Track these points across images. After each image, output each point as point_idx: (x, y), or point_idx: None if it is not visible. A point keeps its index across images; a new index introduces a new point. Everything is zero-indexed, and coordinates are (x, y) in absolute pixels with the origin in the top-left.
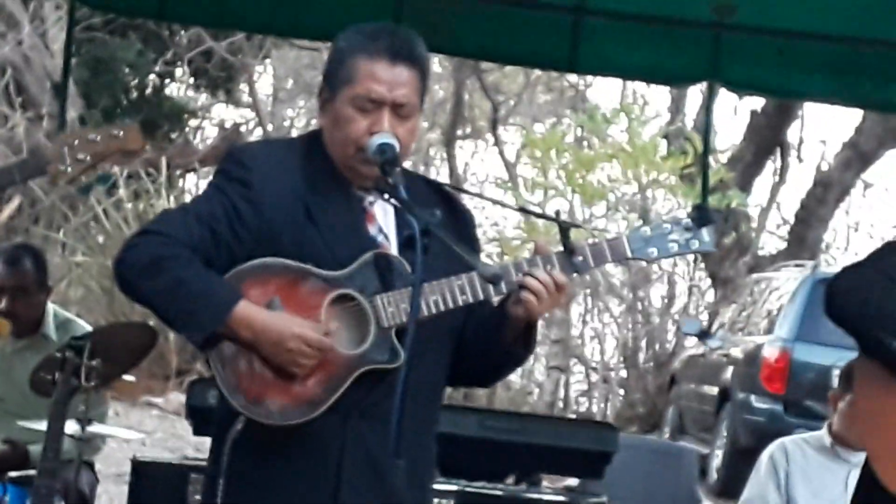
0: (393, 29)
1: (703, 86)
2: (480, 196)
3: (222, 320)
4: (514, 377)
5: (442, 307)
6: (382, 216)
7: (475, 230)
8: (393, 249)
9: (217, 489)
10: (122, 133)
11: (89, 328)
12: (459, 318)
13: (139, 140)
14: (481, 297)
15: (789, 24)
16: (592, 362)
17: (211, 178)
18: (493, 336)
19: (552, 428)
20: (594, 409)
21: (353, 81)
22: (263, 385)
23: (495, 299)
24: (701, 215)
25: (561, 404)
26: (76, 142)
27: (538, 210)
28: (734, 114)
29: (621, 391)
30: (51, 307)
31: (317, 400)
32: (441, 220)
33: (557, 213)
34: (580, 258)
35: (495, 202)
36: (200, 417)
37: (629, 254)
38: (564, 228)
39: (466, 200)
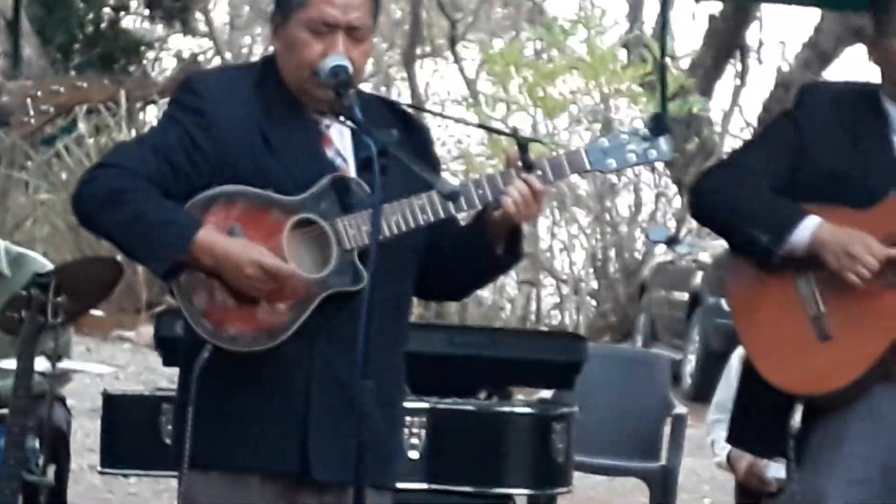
0: None
1: None
2: (439, 114)
3: (184, 248)
4: (486, 293)
5: (403, 227)
6: (339, 139)
7: (433, 148)
8: (351, 172)
9: (187, 418)
10: (86, 84)
11: (45, 261)
12: (423, 236)
13: (103, 92)
14: (442, 215)
15: None
16: (562, 274)
17: (166, 108)
18: (477, 246)
19: (520, 341)
20: (566, 321)
21: (306, 4)
22: (228, 312)
23: (460, 216)
24: (657, 125)
25: (533, 318)
26: (39, 93)
27: (498, 126)
28: (692, 19)
29: (593, 302)
30: (1, 244)
31: (282, 325)
32: (398, 140)
33: (514, 129)
34: (539, 172)
35: (455, 119)
36: (169, 348)
37: (588, 166)
38: (522, 144)
39: (428, 119)
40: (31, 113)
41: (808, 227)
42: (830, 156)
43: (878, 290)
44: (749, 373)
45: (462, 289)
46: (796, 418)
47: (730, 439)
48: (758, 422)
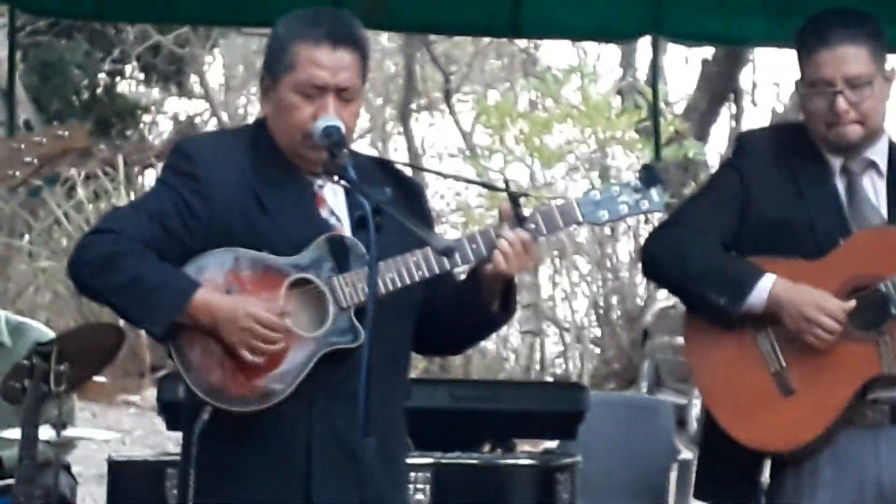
0: (331, 12)
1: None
2: (433, 171)
3: (181, 309)
4: (489, 344)
5: (399, 283)
6: (333, 198)
7: (427, 204)
8: (346, 231)
9: (189, 480)
10: (67, 133)
11: (46, 329)
12: (419, 291)
13: (85, 138)
14: (437, 270)
15: None
16: (565, 323)
17: (159, 174)
18: (471, 301)
19: (522, 393)
20: (570, 369)
21: (295, 68)
22: (226, 372)
23: (456, 271)
24: (649, 175)
25: (538, 367)
26: (22, 145)
27: (496, 177)
28: (686, 63)
29: (596, 349)
30: (2, 314)
31: (281, 384)
32: (391, 198)
33: (507, 182)
34: (532, 225)
35: (445, 176)
36: (172, 412)
37: (580, 218)
38: (514, 198)
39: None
40: (15, 166)
41: (765, 287)
42: (776, 205)
43: (838, 341)
44: (712, 428)
45: (459, 343)
46: (765, 473)
47: (697, 494)
48: (725, 476)
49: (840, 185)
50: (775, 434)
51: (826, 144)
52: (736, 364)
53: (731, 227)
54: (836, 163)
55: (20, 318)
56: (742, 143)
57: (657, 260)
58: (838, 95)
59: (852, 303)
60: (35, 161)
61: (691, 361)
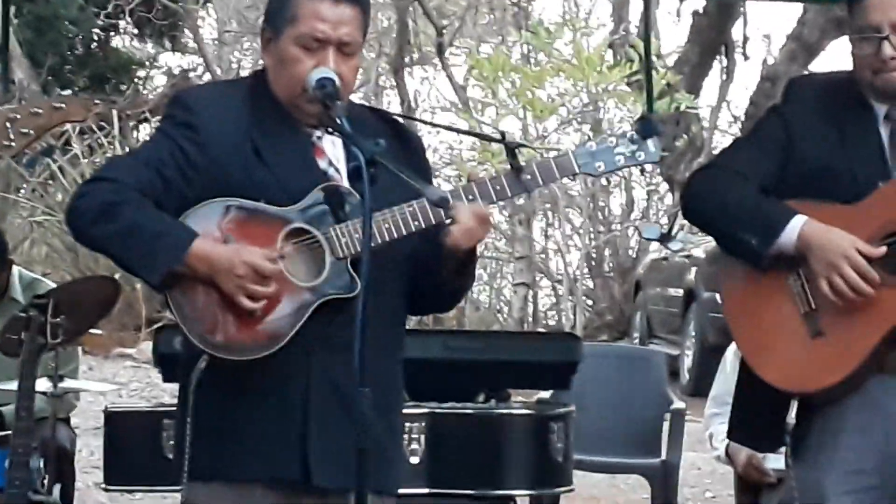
0: None
1: None
2: (428, 122)
3: (179, 257)
4: (483, 296)
5: (395, 234)
6: (332, 150)
7: (425, 155)
8: (344, 182)
9: (186, 430)
10: (64, 105)
11: (54, 286)
12: (415, 244)
13: (82, 111)
14: (433, 221)
15: None
16: (558, 275)
17: (157, 123)
18: (435, 267)
19: (515, 343)
20: (563, 321)
21: (297, 21)
22: (224, 321)
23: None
24: (645, 126)
25: (531, 319)
26: (18, 116)
27: (488, 131)
28: (677, 17)
29: (589, 301)
30: (15, 270)
31: (278, 333)
32: (386, 149)
33: (503, 133)
34: (528, 176)
35: (444, 127)
36: (169, 364)
37: (576, 169)
38: (511, 148)
39: (419, 126)
40: (12, 136)
41: (795, 228)
42: (818, 150)
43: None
44: (744, 370)
45: (432, 303)
46: (792, 414)
47: (730, 434)
48: (755, 417)
49: (884, 132)
50: (803, 375)
51: (872, 91)
52: (767, 305)
53: (772, 172)
54: (881, 110)
55: (33, 275)
56: (789, 87)
57: (695, 201)
58: (885, 41)
59: (883, 249)
60: (32, 132)
61: (725, 304)
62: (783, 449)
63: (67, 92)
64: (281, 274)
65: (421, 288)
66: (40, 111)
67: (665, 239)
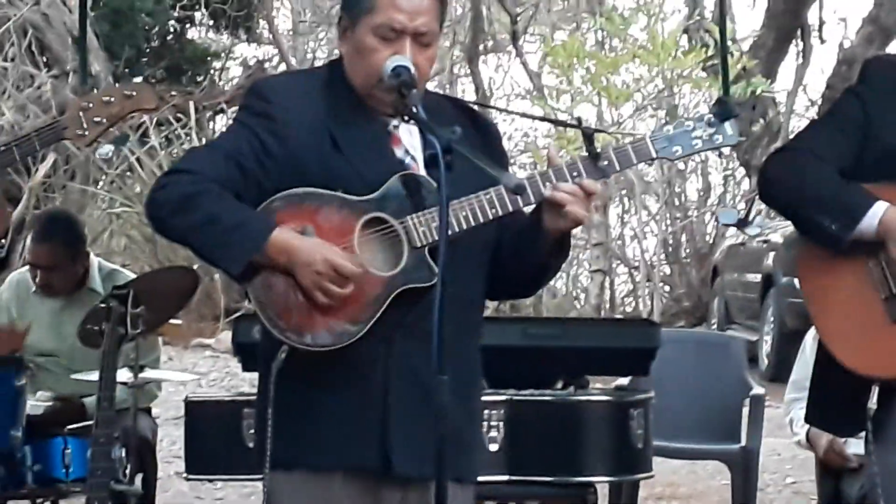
0: None
1: None
2: (503, 110)
3: (259, 248)
4: (560, 283)
5: (472, 222)
6: (408, 138)
7: (501, 143)
8: (421, 170)
9: (267, 420)
10: (135, 93)
11: (133, 277)
12: (493, 231)
13: (153, 99)
14: (510, 208)
15: None
16: (634, 262)
17: (235, 114)
18: (530, 248)
19: (594, 330)
20: (640, 307)
21: (374, 10)
22: (304, 312)
23: (526, 209)
24: (723, 109)
25: (608, 306)
26: (91, 105)
27: (564, 117)
28: (752, 1)
29: (666, 288)
30: (95, 261)
31: (357, 323)
32: (462, 136)
33: (579, 119)
34: (605, 162)
35: (520, 114)
36: (248, 353)
37: (654, 154)
38: (588, 134)
39: (494, 114)
40: (85, 126)
41: (876, 214)
42: (895, 131)
43: None
44: (823, 355)
45: (522, 286)
46: (873, 399)
47: (808, 419)
48: (835, 402)
49: None
50: (883, 361)
51: None
52: (847, 291)
53: (850, 154)
54: None
55: (112, 266)
56: (866, 67)
57: (773, 184)
58: None
59: None
60: (105, 121)
61: (804, 289)
62: (863, 434)
63: (139, 79)
64: (361, 274)
65: (506, 272)
66: (112, 99)
67: (742, 224)
